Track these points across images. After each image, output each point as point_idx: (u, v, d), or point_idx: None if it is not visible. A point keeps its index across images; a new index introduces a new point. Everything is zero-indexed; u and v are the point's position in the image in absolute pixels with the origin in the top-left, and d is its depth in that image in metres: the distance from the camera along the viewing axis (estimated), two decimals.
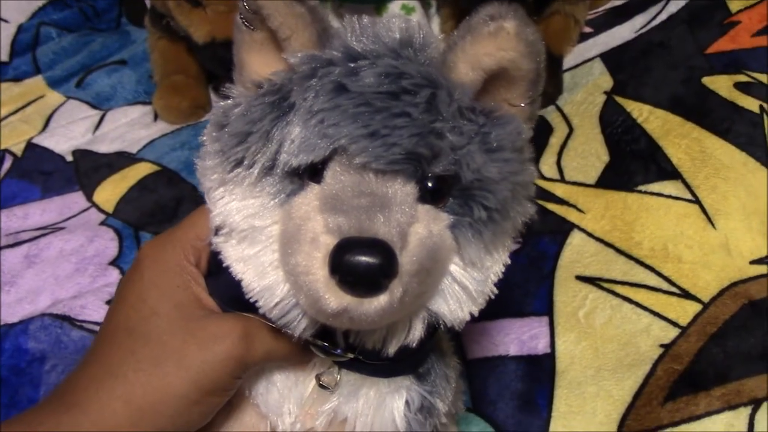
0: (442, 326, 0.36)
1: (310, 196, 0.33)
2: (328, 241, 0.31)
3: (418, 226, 0.33)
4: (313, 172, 0.34)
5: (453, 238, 0.35)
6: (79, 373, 0.37)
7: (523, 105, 0.36)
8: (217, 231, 0.37)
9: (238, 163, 0.34)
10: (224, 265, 0.35)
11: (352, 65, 0.32)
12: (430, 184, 0.34)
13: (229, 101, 0.36)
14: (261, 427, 0.40)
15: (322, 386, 0.39)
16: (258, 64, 0.36)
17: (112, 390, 0.35)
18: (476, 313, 0.36)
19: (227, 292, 0.38)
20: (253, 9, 0.34)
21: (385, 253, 0.30)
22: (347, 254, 0.30)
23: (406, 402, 0.39)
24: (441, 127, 0.32)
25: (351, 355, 0.38)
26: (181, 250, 0.39)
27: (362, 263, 0.30)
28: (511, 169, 0.34)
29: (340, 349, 0.38)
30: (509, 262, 0.37)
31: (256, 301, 0.35)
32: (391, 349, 0.36)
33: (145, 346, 0.36)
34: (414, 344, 0.36)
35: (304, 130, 0.32)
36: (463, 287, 0.35)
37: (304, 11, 0.34)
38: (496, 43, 0.33)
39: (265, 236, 0.35)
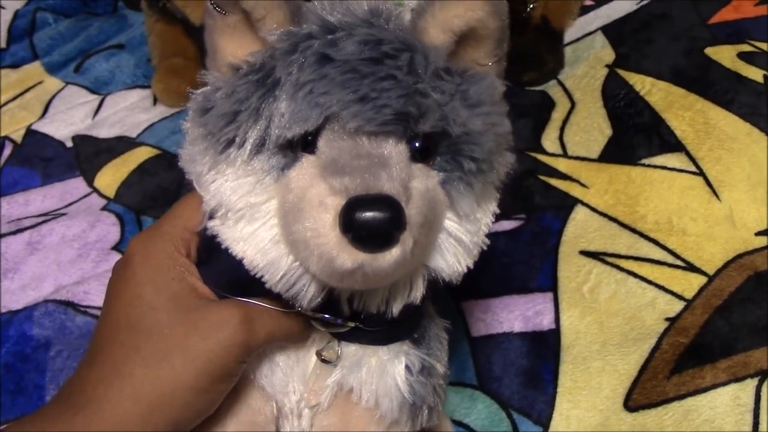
0: (441, 282, 0.37)
1: (306, 165, 0.34)
2: (336, 202, 0.32)
3: (415, 182, 0.34)
4: (305, 144, 0.34)
5: (445, 194, 0.36)
6: (84, 373, 0.37)
7: (490, 64, 0.38)
8: (211, 215, 0.37)
9: (229, 143, 0.35)
10: (223, 247, 0.36)
11: (331, 37, 0.33)
12: (418, 144, 0.35)
13: (207, 87, 0.36)
14: (267, 409, 0.41)
15: (324, 361, 0.40)
16: (232, 47, 0.36)
17: (121, 390, 0.35)
18: (472, 266, 0.37)
19: (222, 278, 0.38)
20: None
21: (394, 206, 0.31)
22: (357, 211, 0.31)
23: (407, 366, 0.40)
24: (424, 88, 0.33)
25: (352, 324, 0.38)
26: (171, 242, 0.39)
27: (373, 218, 0.31)
28: (492, 121, 0.35)
29: (341, 318, 0.38)
30: (498, 211, 0.38)
31: (261, 277, 0.35)
32: (395, 309, 0.37)
33: (148, 342, 0.36)
34: (417, 302, 0.37)
35: (293, 102, 0.33)
36: (458, 240, 0.37)
37: None
38: (465, 4, 0.35)
39: (262, 212, 0.35)
